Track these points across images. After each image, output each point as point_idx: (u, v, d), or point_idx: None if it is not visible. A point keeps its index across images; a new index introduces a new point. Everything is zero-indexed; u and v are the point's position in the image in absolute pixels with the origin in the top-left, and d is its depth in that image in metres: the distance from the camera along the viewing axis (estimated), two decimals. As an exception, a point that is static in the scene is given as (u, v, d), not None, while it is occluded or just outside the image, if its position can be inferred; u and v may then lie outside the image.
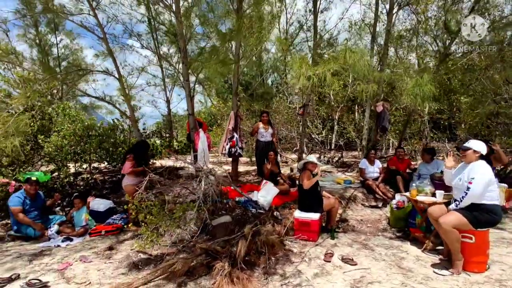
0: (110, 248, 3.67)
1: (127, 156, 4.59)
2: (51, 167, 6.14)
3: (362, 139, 8.05)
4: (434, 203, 3.34)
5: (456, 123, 8.83)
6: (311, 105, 10.88)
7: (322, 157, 10.13)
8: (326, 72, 3.91)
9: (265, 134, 6.16)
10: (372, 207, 5.23)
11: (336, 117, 11.20)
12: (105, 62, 5.86)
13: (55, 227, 4.28)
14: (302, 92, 9.56)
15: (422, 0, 7.67)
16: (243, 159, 9.93)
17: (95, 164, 6.95)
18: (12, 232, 4.27)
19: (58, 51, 12.61)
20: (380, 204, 5.23)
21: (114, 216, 4.67)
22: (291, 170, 7.42)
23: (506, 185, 5.10)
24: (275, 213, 4.36)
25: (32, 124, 6.01)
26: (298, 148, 8.36)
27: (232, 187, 4.60)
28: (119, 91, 7.68)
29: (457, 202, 2.96)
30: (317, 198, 4.02)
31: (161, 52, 10.22)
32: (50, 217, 4.53)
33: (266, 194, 4.47)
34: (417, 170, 5.36)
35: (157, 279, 2.82)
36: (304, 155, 7.32)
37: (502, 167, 5.75)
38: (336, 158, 9.57)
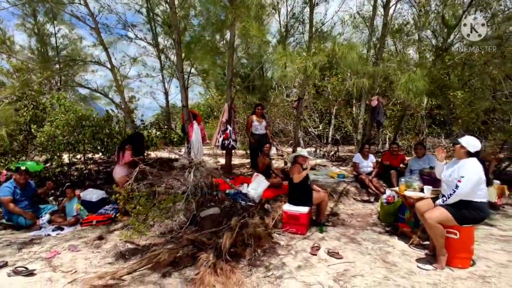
0: (100, 238, 3.69)
1: (126, 147, 4.61)
2: (45, 157, 6.14)
3: (358, 133, 8.03)
4: (422, 198, 3.34)
5: (453, 118, 8.77)
6: (308, 98, 10.84)
7: (318, 151, 10.13)
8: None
9: (259, 127, 6.14)
10: (364, 201, 5.24)
11: (334, 111, 11.15)
12: (104, 52, 5.72)
13: (46, 217, 4.29)
14: (299, 85, 9.49)
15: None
16: (239, 152, 9.93)
17: (90, 155, 6.96)
18: (3, 221, 4.30)
19: (56, 41, 12.48)
20: (372, 199, 5.25)
21: (106, 206, 4.71)
22: (285, 163, 7.42)
23: (499, 182, 5.11)
24: (265, 206, 4.37)
25: (24, 113, 5.99)
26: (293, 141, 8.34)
27: (222, 179, 4.60)
28: (113, 82, 7.58)
29: (445, 198, 2.95)
30: (307, 191, 4.03)
31: (159, 43, 10.09)
32: (42, 206, 4.55)
33: (256, 186, 4.48)
34: (408, 165, 5.36)
35: (142, 268, 2.84)
36: (299, 149, 7.31)
37: (496, 163, 5.74)
38: (332, 152, 9.56)
